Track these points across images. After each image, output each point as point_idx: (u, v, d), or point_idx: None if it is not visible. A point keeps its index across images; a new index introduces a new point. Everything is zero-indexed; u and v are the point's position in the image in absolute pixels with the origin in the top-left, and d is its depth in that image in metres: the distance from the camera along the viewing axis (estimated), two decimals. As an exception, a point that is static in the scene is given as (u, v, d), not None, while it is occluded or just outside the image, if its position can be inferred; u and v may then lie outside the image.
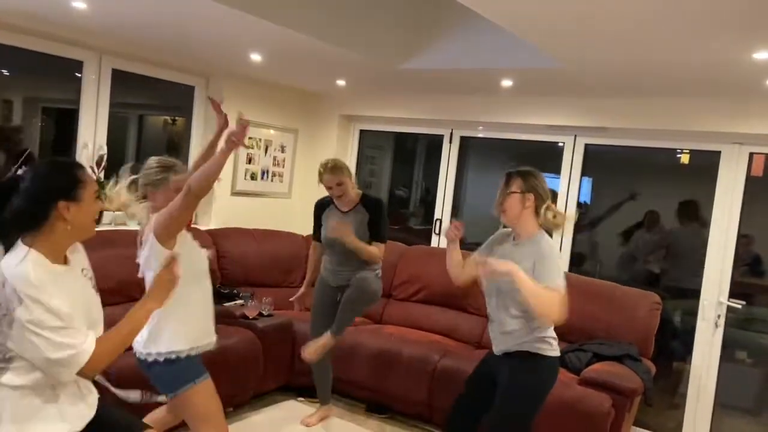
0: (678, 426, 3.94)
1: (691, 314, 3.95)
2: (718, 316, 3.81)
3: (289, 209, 5.29)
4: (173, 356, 2.32)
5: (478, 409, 2.71)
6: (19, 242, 1.71)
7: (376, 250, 3.38)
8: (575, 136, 4.32)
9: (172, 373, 2.32)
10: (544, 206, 2.54)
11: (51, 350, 1.62)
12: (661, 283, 4.36)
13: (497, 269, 2.37)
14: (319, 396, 3.73)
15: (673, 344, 4.18)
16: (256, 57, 3.90)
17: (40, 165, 1.83)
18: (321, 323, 3.45)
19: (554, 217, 2.56)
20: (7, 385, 1.68)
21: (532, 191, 2.53)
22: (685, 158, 4.23)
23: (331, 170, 3.38)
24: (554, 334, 2.64)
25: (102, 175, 4.00)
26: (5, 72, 4.03)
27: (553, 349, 2.60)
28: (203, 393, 2.34)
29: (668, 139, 4.05)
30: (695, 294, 3.92)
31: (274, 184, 5.20)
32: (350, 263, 3.39)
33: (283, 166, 5.25)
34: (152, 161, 2.56)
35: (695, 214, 4.20)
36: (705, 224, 3.94)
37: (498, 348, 2.64)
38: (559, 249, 2.50)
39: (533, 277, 2.40)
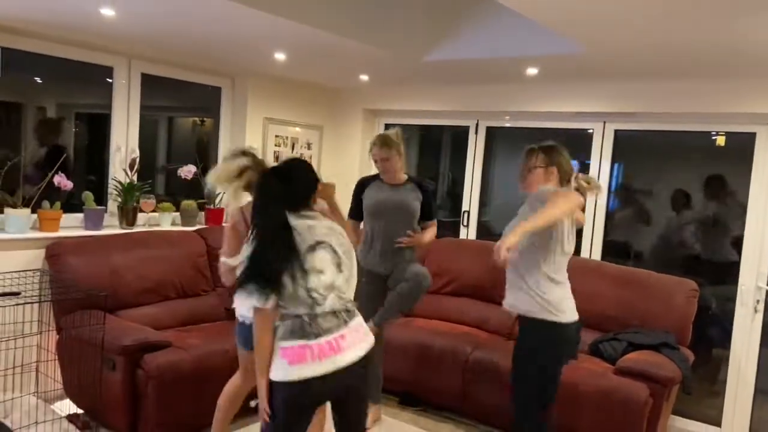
0: (718, 414, 3.87)
1: (729, 299, 3.87)
2: (757, 302, 3.72)
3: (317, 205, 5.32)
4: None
5: None
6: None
7: (432, 234, 3.47)
8: (604, 122, 4.25)
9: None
10: (569, 179, 2.66)
11: None
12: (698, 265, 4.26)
13: (502, 249, 2.37)
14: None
15: (712, 331, 4.09)
16: (280, 56, 3.93)
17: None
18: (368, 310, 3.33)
19: (588, 183, 2.70)
20: None
21: (556, 165, 2.65)
22: (720, 140, 4.13)
23: (381, 144, 3.36)
24: (554, 300, 2.64)
25: (135, 177, 4.08)
26: (38, 80, 4.14)
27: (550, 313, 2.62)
28: None
29: (700, 122, 3.95)
30: (728, 272, 3.86)
31: (302, 181, 5.23)
32: (397, 247, 3.36)
33: (310, 162, 5.28)
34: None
35: (723, 189, 4.13)
36: (733, 199, 3.93)
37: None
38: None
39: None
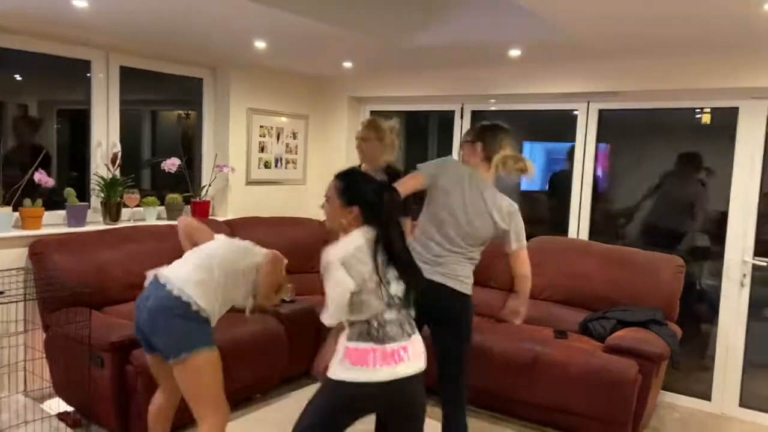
0: (708, 388, 3.90)
1: (714, 274, 3.90)
2: (744, 275, 3.75)
3: (304, 195, 5.31)
4: (196, 308, 2.29)
5: None
6: None
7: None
8: (588, 102, 4.24)
9: (195, 328, 2.28)
10: (499, 156, 2.73)
11: None
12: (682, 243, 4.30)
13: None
14: None
15: (699, 306, 4.12)
16: (260, 44, 3.89)
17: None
18: None
19: (503, 164, 2.74)
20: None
21: (480, 141, 2.79)
22: (706, 118, 4.13)
23: (366, 125, 3.43)
24: None
25: (117, 172, 4.04)
26: (18, 77, 4.08)
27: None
28: (215, 361, 2.30)
29: (684, 99, 3.95)
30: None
31: (288, 171, 5.21)
32: None
33: (296, 153, 5.26)
34: None
35: (697, 165, 4.20)
36: (705, 174, 4.08)
37: None
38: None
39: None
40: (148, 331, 2.31)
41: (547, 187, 5.01)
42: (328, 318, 2.10)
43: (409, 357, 2.07)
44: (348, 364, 2.04)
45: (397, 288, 2.12)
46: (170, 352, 2.23)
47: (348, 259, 2.06)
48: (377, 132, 3.37)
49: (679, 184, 4.33)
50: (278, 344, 3.73)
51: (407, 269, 2.15)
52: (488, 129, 2.84)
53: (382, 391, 2.03)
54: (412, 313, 2.18)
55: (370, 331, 2.05)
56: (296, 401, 3.78)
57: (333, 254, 2.08)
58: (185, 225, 2.62)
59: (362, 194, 2.16)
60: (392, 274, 2.12)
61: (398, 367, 2.04)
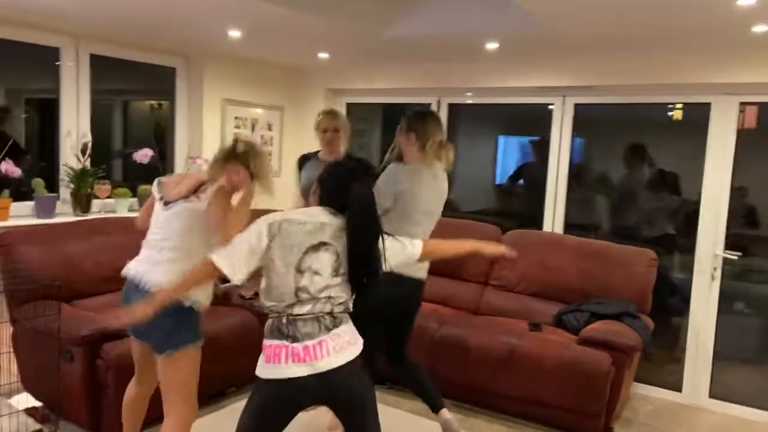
0: (679, 379, 3.97)
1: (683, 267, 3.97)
2: (714, 269, 3.81)
3: (278, 187, 5.24)
4: (198, 307, 2.33)
5: None
6: None
7: None
8: (563, 96, 4.27)
9: (191, 323, 2.32)
10: (429, 143, 2.87)
11: None
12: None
13: None
14: None
15: (671, 299, 4.19)
16: (234, 33, 3.82)
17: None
18: None
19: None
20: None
21: (413, 131, 2.89)
22: (678, 114, 4.19)
23: (330, 114, 3.45)
24: None
25: (88, 163, 3.96)
26: (-16, 65, 3.96)
27: None
28: (196, 358, 2.35)
29: (657, 94, 4.00)
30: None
31: (264, 163, 5.14)
32: None
33: (272, 144, 5.20)
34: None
35: (642, 157, 4.31)
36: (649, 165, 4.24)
37: None
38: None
39: None
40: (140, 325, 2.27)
41: (514, 179, 5.08)
42: (214, 254, 2.01)
43: (326, 352, 1.97)
44: (263, 360, 2.01)
45: (316, 282, 1.99)
46: (162, 347, 2.28)
47: (274, 223, 2.00)
48: (343, 120, 3.47)
49: (631, 176, 4.44)
50: (253, 338, 3.68)
51: (362, 272, 2.05)
52: (416, 119, 2.95)
53: (302, 386, 1.96)
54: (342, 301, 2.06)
55: (280, 327, 1.99)
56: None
57: (266, 215, 2.05)
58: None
59: (329, 177, 2.15)
60: (324, 266, 2.00)
61: (316, 363, 1.96)
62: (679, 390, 3.97)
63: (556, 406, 3.32)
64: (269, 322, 2.03)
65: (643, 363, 3.65)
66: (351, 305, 2.10)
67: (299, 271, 1.99)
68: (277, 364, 1.97)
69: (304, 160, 3.61)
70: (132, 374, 3.01)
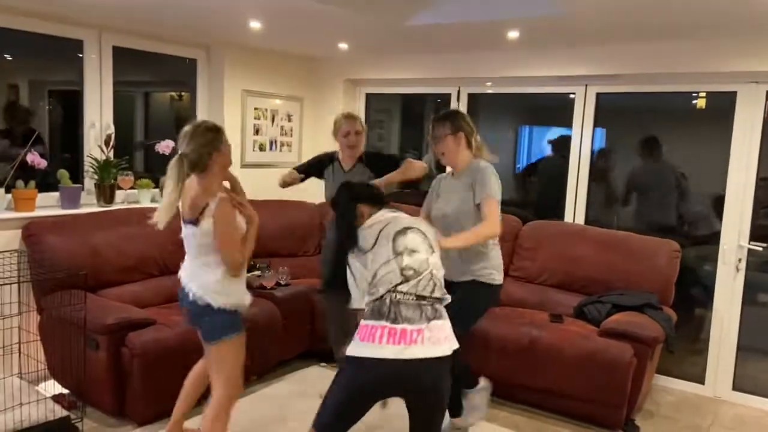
0: (701, 371, 3.93)
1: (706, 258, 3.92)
2: (739, 260, 3.76)
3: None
4: (235, 309, 2.49)
5: None
6: None
7: (398, 171, 3.31)
8: (586, 85, 4.22)
9: (229, 320, 2.47)
10: (474, 137, 2.92)
11: None
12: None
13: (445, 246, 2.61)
14: None
15: (694, 290, 4.14)
16: (255, 24, 3.83)
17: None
18: None
19: (478, 148, 2.96)
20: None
21: (461, 130, 2.88)
22: (701, 102, 4.12)
23: (350, 117, 3.45)
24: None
25: (111, 154, 4.00)
26: (9, 57, 4.01)
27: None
28: (239, 345, 2.52)
29: (682, 82, 3.93)
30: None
31: (283, 154, 5.17)
32: None
33: (291, 135, 5.22)
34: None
35: (657, 150, 4.27)
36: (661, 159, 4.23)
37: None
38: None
39: (474, 193, 2.79)
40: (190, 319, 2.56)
41: (527, 174, 5.06)
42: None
43: (421, 340, 2.00)
44: (358, 339, 2.07)
45: (425, 255, 2.16)
46: (205, 339, 2.52)
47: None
48: (362, 124, 3.48)
49: (650, 169, 4.38)
50: (274, 327, 3.72)
51: None
52: (457, 117, 2.94)
53: (390, 368, 1.99)
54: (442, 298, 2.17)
55: (381, 308, 2.06)
56: (291, 383, 3.79)
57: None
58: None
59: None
60: (419, 243, 2.18)
61: (407, 348, 1.98)
62: (702, 382, 3.93)
63: (578, 397, 3.31)
64: (370, 305, 2.11)
65: (665, 355, 3.62)
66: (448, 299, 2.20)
67: (397, 253, 2.13)
68: (372, 342, 2.01)
69: (323, 161, 3.58)
70: (157, 362, 3.08)
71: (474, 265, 2.84)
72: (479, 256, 2.84)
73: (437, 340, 2.05)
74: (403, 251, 2.12)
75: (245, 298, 2.54)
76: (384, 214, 2.28)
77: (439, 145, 2.92)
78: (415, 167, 3.30)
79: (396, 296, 2.06)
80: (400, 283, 2.07)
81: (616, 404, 3.23)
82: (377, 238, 2.17)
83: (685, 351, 4.06)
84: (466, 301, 2.78)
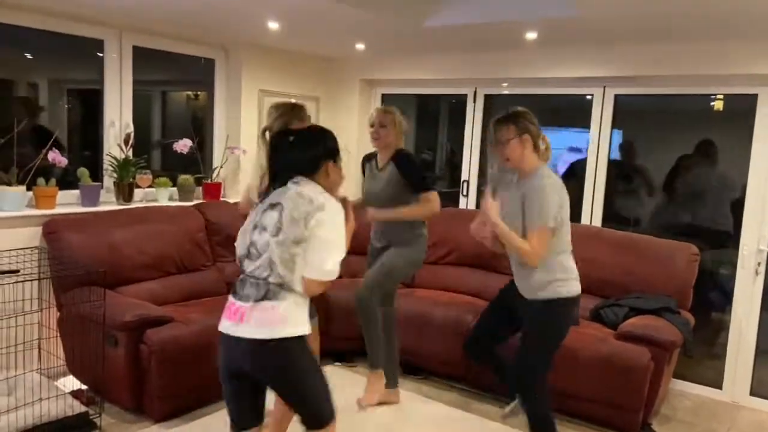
0: (719, 376, 3.90)
1: (727, 262, 3.88)
2: (758, 264, 3.72)
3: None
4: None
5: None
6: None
7: (417, 207, 3.20)
8: (604, 87, 4.19)
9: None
10: (541, 138, 2.70)
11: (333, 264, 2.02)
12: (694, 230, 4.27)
13: (489, 218, 2.61)
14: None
15: (712, 294, 4.11)
16: (273, 25, 3.85)
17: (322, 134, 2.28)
18: None
19: (546, 147, 2.75)
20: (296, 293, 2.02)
21: (527, 132, 2.64)
22: (719, 104, 4.08)
23: (381, 110, 3.33)
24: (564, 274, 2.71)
25: (130, 152, 4.04)
26: (28, 55, 4.06)
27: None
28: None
29: (702, 85, 3.90)
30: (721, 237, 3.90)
31: (300, 154, 5.18)
32: (391, 224, 3.30)
33: (307, 135, 5.23)
34: None
35: (712, 154, 4.14)
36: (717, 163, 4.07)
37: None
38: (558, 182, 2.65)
39: (523, 214, 2.59)
40: None
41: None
42: None
43: (246, 319, 1.99)
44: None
45: (268, 237, 2.02)
46: None
47: None
48: (394, 117, 3.32)
49: (697, 172, 4.28)
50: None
51: None
52: (522, 117, 2.68)
53: (226, 345, 2.05)
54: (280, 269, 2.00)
55: (236, 285, 2.10)
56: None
57: None
58: None
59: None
60: (272, 222, 2.03)
61: (236, 325, 2.01)
62: (720, 387, 3.90)
63: (594, 400, 3.29)
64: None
65: (682, 359, 3.59)
66: (296, 285, 2.03)
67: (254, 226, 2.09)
68: (224, 316, 2.07)
69: (365, 160, 3.53)
70: (174, 359, 3.09)
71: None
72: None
73: (260, 321, 1.98)
74: (257, 226, 2.07)
75: None
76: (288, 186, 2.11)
77: (504, 149, 2.66)
78: (427, 209, 3.20)
79: (243, 277, 2.07)
80: (245, 259, 2.07)
81: (632, 408, 3.21)
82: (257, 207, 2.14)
83: (703, 355, 4.03)
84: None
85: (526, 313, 2.75)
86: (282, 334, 1.99)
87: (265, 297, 2.00)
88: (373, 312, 3.31)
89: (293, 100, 4.94)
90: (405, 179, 3.22)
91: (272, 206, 2.06)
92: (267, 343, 1.98)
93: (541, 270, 2.64)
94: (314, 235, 1.99)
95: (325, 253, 2.01)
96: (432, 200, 3.20)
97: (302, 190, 2.06)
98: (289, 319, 2.01)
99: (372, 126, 3.34)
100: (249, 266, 2.06)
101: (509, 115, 2.68)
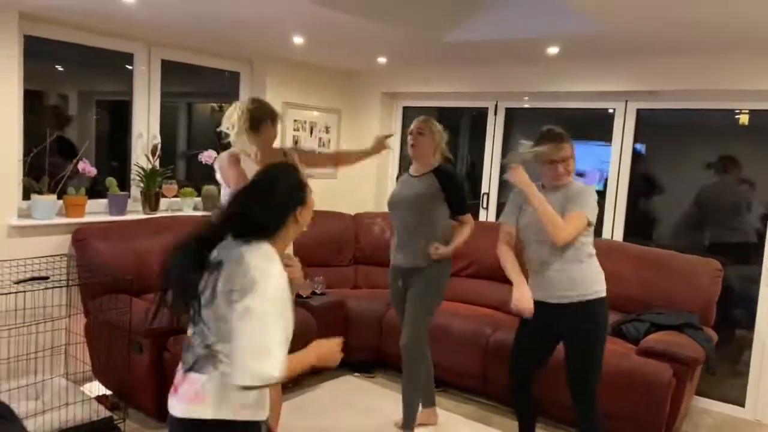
0: (742, 394, 3.84)
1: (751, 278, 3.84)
2: (783, 281, 3.68)
3: (335, 189, 5.34)
4: None
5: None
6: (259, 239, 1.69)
7: (465, 232, 3.19)
8: (626, 101, 4.19)
9: None
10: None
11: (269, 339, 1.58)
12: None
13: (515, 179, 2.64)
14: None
15: (735, 311, 4.05)
16: (298, 40, 3.92)
17: (281, 177, 1.81)
18: (399, 312, 3.36)
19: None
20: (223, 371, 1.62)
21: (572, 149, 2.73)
22: (744, 119, 4.05)
23: (421, 119, 3.27)
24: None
25: (157, 163, 4.13)
26: (60, 68, 4.18)
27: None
28: None
29: (725, 100, 3.88)
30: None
31: (321, 165, 5.24)
32: (415, 239, 3.16)
33: (329, 147, 5.30)
34: None
35: (734, 168, 4.11)
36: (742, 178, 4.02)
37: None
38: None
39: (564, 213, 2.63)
40: None
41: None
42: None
43: (179, 393, 1.68)
44: None
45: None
46: None
47: None
48: (434, 127, 3.24)
49: (721, 186, 4.24)
50: (309, 335, 3.76)
51: None
52: (566, 136, 2.75)
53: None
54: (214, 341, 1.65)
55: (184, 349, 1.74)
56: (325, 392, 3.83)
57: None
58: None
59: None
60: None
61: (171, 400, 1.71)
62: (742, 405, 3.84)
63: (615, 416, 3.26)
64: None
65: (705, 376, 3.55)
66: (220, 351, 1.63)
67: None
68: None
69: (400, 174, 3.52)
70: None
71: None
72: None
73: (188, 398, 1.65)
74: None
75: None
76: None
77: (567, 165, 2.71)
78: (470, 231, 3.21)
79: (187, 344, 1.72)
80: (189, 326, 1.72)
81: (654, 425, 3.18)
82: None
83: (726, 373, 3.98)
84: None
85: (571, 319, 2.73)
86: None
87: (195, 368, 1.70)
88: (425, 358, 3.31)
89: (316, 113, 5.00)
90: (447, 197, 3.18)
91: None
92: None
93: (587, 263, 2.71)
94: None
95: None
96: (471, 222, 3.23)
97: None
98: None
99: (411, 134, 3.28)
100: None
101: (562, 134, 2.72)
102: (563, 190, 2.72)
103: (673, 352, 3.19)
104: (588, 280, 2.70)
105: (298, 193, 1.80)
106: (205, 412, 1.63)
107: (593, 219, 2.67)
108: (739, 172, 4.12)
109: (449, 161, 3.43)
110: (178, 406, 1.67)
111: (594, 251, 2.76)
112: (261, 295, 1.58)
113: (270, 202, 1.74)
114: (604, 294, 2.73)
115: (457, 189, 3.24)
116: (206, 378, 1.64)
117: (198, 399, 1.64)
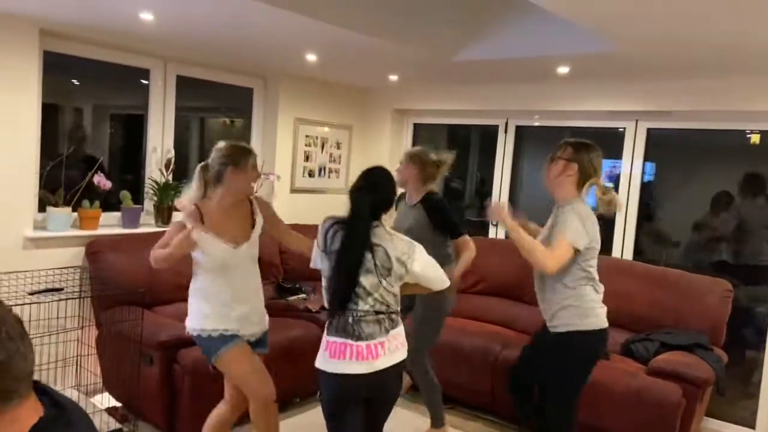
0: (752, 416, 3.81)
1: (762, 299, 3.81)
2: (794, 303, 3.66)
3: (346, 204, 5.37)
4: (196, 333, 2.63)
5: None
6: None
7: (468, 256, 3.18)
8: (636, 120, 4.21)
9: (202, 346, 2.63)
10: (590, 181, 2.61)
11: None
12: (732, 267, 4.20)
13: (500, 216, 2.60)
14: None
15: (746, 332, 4.03)
16: (311, 57, 3.98)
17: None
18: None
19: (603, 193, 2.66)
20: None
21: (577, 162, 2.59)
22: (755, 138, 4.06)
23: (406, 154, 3.37)
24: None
25: (170, 177, 4.18)
26: (76, 82, 4.26)
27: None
28: (231, 359, 2.59)
29: (736, 120, 3.89)
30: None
31: (331, 180, 5.29)
32: None
33: (340, 162, 5.34)
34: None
35: (761, 188, 4.07)
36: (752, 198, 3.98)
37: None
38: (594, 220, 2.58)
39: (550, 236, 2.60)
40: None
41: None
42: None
43: (385, 351, 2.22)
44: (327, 356, 2.24)
45: (377, 278, 2.23)
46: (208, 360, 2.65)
47: None
48: (413, 159, 3.30)
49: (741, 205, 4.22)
50: (316, 349, 3.77)
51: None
52: (585, 148, 2.63)
53: (360, 381, 2.20)
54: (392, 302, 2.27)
55: (346, 327, 2.21)
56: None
57: None
58: None
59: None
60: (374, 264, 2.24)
61: (375, 362, 2.19)
62: (753, 426, 3.80)
63: (623, 436, 3.25)
64: (334, 320, 2.25)
65: (715, 397, 3.53)
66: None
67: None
68: (342, 360, 2.21)
69: (399, 199, 3.50)
70: (206, 380, 3.15)
71: None
72: None
73: (396, 346, 2.27)
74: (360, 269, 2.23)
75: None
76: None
77: (549, 165, 2.72)
78: (473, 253, 3.18)
79: (357, 314, 2.21)
80: (357, 302, 2.21)
81: (663, 446, 3.16)
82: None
83: (736, 394, 3.95)
84: None
85: (548, 347, 2.76)
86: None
87: (392, 327, 2.26)
88: (426, 373, 3.37)
89: (327, 131, 5.03)
90: (435, 226, 3.21)
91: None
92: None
93: (563, 294, 2.61)
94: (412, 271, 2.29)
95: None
96: (471, 243, 3.22)
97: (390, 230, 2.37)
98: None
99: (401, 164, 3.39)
100: (361, 305, 2.22)
101: (578, 141, 2.66)
102: (555, 215, 2.69)
103: (683, 372, 3.18)
104: (560, 311, 2.62)
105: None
106: (405, 352, 2.32)
107: (580, 244, 2.50)
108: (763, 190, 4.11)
109: (452, 182, 3.45)
110: (390, 357, 2.23)
111: (583, 281, 2.60)
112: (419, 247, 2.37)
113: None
114: (580, 328, 2.60)
115: (444, 215, 3.23)
116: (401, 328, 2.32)
117: (403, 344, 2.32)
